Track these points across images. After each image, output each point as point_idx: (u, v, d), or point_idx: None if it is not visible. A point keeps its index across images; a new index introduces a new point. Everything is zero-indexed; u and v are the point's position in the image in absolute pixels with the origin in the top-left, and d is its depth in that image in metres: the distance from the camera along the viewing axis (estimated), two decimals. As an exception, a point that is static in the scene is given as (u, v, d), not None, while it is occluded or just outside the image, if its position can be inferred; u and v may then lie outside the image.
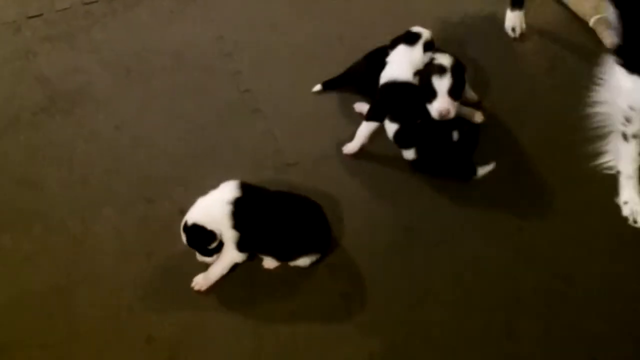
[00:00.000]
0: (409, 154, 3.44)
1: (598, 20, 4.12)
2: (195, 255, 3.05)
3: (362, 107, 3.68)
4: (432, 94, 3.34)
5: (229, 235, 2.98)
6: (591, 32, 4.14)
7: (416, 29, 3.59)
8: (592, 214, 3.33)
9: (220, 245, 3.00)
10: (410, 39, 3.54)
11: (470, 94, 3.71)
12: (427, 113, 3.38)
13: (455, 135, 3.38)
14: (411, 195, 3.40)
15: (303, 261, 3.08)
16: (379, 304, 3.01)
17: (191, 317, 2.97)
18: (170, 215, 3.29)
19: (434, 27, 3.70)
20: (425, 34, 3.56)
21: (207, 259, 3.04)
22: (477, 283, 3.09)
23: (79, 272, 3.12)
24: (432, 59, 3.42)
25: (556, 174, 3.47)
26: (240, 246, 3.00)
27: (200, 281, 3.04)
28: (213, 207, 2.98)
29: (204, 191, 3.23)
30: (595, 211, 3.34)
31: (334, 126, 3.67)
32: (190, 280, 3.04)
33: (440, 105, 3.33)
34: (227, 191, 3.02)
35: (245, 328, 2.94)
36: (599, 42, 4.07)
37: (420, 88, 3.41)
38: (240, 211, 2.97)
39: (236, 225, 2.96)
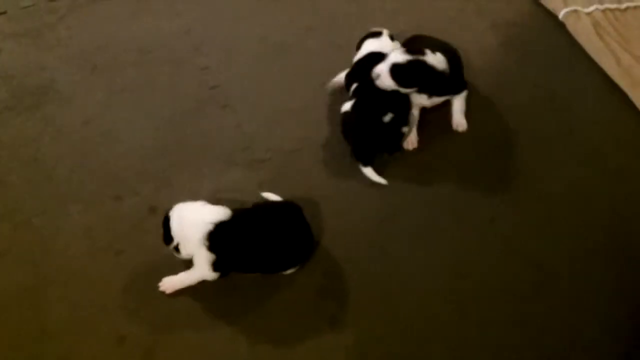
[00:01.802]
0: (347, 105, 3.46)
1: (568, 13, 4.14)
2: (164, 253, 3.03)
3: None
4: (383, 58, 3.41)
5: (203, 254, 2.91)
6: (561, 26, 4.15)
7: (375, 29, 3.70)
8: (561, 203, 3.34)
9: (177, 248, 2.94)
10: (374, 34, 3.66)
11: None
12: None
13: (388, 117, 3.39)
14: (386, 189, 3.37)
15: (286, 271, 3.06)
16: (355, 298, 2.99)
17: (164, 316, 2.93)
18: (139, 212, 3.25)
19: (402, 17, 3.70)
20: (385, 31, 3.68)
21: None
22: (453, 274, 3.08)
23: (47, 271, 3.06)
24: (425, 50, 3.43)
25: (527, 165, 3.48)
26: (216, 267, 2.93)
27: (167, 284, 3.00)
28: (191, 225, 2.90)
29: (173, 188, 3.24)
30: (564, 201, 3.35)
31: (305, 120, 3.65)
32: (161, 279, 2.99)
33: (378, 67, 3.38)
34: (213, 213, 2.94)
35: (219, 327, 2.90)
36: (569, 35, 4.09)
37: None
38: (219, 235, 2.89)
39: (212, 248, 2.88)
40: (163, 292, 2.98)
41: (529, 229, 3.24)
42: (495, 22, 4.20)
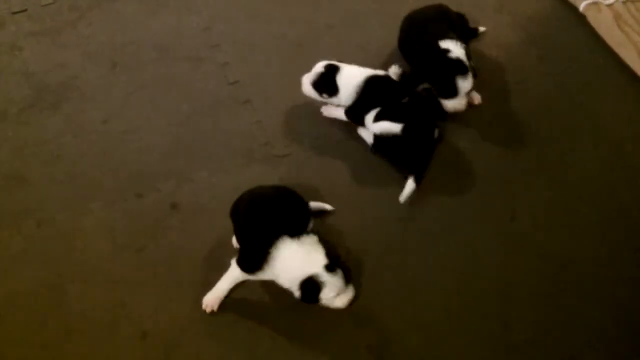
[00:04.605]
0: (395, 127, 3.33)
1: (588, 5, 4.11)
2: (186, 250, 3.06)
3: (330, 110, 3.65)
4: (453, 93, 3.43)
5: None
6: (582, 18, 4.12)
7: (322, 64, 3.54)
8: (582, 199, 3.33)
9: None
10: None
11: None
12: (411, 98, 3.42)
13: (437, 132, 3.42)
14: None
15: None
16: (374, 295, 3.00)
17: (186, 312, 2.95)
18: (161, 209, 3.27)
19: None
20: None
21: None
22: (472, 272, 3.08)
23: (70, 268, 3.09)
24: (446, 50, 3.41)
25: (547, 162, 3.47)
26: None
27: (210, 301, 2.96)
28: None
29: (193, 184, 3.25)
30: (585, 196, 3.34)
31: (324, 117, 3.64)
32: (183, 275, 3.03)
33: (459, 104, 3.46)
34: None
35: (240, 323, 2.92)
36: (589, 28, 4.06)
37: (439, 82, 3.45)
38: None
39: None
40: (189, 288, 3.00)
41: (549, 226, 3.24)
42: (515, 18, 4.16)
